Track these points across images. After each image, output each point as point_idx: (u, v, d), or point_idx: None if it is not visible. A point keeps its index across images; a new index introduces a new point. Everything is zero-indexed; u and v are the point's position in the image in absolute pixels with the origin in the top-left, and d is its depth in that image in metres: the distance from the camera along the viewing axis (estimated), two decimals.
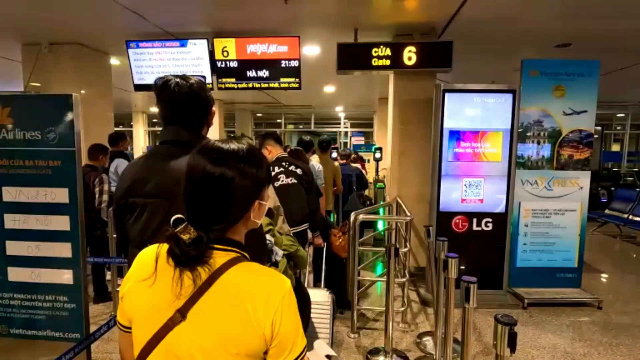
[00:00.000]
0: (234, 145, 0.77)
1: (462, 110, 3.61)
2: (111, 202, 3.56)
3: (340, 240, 3.25)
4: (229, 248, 0.77)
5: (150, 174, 1.16)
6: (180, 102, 1.19)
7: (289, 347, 0.75)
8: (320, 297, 2.49)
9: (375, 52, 3.83)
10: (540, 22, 3.80)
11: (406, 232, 3.29)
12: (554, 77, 3.69)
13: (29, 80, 4.45)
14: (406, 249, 3.09)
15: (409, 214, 3.10)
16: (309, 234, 2.88)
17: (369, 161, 8.30)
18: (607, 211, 6.96)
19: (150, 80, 4.28)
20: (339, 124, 13.75)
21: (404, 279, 3.07)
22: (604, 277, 4.57)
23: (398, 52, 3.82)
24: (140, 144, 12.23)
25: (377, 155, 6.97)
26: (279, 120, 14.67)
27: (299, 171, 2.72)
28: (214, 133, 9.62)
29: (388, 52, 3.82)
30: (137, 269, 0.80)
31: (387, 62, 3.84)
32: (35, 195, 1.78)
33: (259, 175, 0.78)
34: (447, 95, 3.58)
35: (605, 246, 6.03)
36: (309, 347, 0.99)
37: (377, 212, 4.26)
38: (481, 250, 3.62)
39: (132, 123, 12.49)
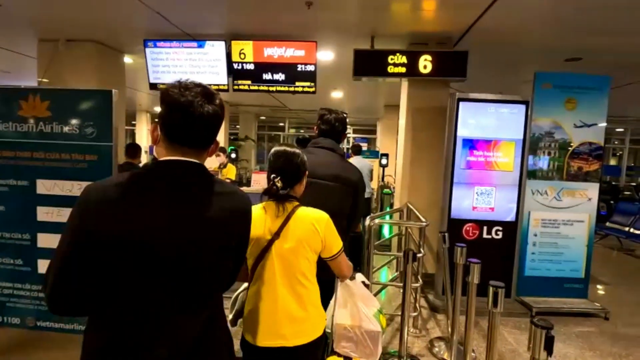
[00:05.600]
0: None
1: (475, 120, 3.67)
2: None
3: None
4: (295, 201, 1.44)
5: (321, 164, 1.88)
6: (333, 124, 1.99)
7: (333, 246, 1.44)
8: None
9: (392, 59, 3.89)
10: (554, 36, 3.88)
11: (420, 238, 3.32)
12: (566, 90, 3.76)
13: (44, 76, 4.47)
14: (421, 255, 3.11)
15: (423, 220, 3.13)
16: None
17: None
18: (608, 224, 7.04)
19: (166, 79, 4.32)
20: None
21: (417, 284, 3.09)
22: (607, 288, 4.61)
23: (414, 60, 3.88)
24: (143, 142, 12.21)
25: (384, 161, 7.01)
26: (281, 124, 14.72)
27: None
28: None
29: (404, 59, 3.88)
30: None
31: (403, 70, 3.90)
32: (70, 189, 1.79)
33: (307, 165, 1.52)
34: (461, 104, 3.64)
35: (607, 258, 6.09)
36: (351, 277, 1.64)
37: (383, 218, 4.32)
38: (491, 258, 3.65)
39: (134, 122, 12.50)
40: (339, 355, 1.62)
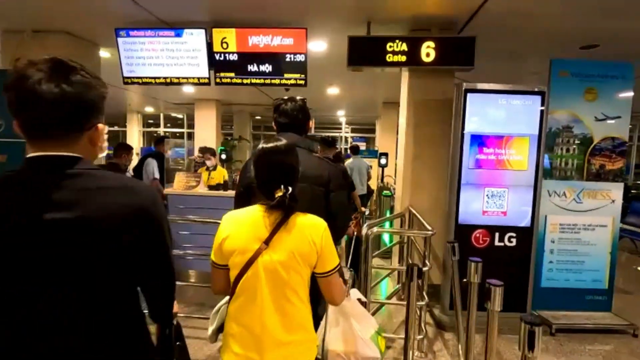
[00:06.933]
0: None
1: (485, 113, 3.27)
2: None
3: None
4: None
5: None
6: (292, 115, 1.75)
7: (327, 262, 1.25)
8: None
9: (390, 46, 3.48)
10: (569, 20, 3.47)
11: (425, 248, 2.91)
12: (585, 78, 3.37)
13: (9, 71, 4.07)
14: (426, 268, 2.71)
15: (429, 227, 2.73)
16: None
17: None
18: (621, 225, 6.62)
19: (141, 72, 3.92)
20: (340, 128, 13.44)
21: (422, 302, 2.69)
22: (628, 297, 4.20)
23: (415, 47, 3.47)
24: (134, 144, 11.80)
25: (383, 161, 6.62)
26: None
27: None
28: (210, 134, 9.26)
29: (404, 47, 3.48)
30: (231, 223, 1.24)
31: (403, 58, 3.50)
32: None
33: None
34: (469, 95, 3.24)
35: (624, 263, 5.69)
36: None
37: (383, 225, 3.92)
38: (503, 268, 3.25)
39: (126, 123, 12.09)
40: None
